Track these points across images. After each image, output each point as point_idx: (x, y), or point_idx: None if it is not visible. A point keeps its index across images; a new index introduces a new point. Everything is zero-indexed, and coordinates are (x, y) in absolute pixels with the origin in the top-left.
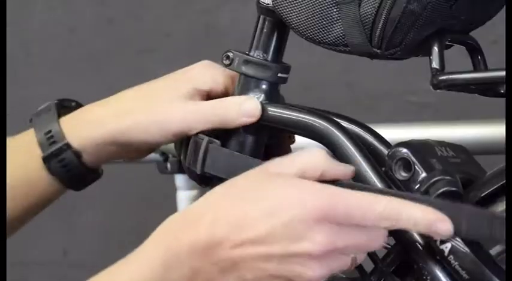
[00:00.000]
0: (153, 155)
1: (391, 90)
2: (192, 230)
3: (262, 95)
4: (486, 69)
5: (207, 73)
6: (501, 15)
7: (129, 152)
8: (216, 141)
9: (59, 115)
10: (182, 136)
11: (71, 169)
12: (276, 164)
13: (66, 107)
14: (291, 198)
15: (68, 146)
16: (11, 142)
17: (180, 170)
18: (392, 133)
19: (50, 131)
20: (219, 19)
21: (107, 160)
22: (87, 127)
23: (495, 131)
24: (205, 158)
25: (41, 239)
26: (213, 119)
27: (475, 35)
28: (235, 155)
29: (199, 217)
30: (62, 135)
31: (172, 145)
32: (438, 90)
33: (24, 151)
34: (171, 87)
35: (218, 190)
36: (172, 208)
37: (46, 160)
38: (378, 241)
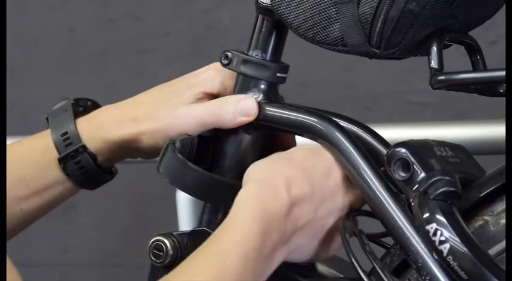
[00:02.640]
0: None
1: (391, 90)
2: (276, 197)
3: (261, 95)
4: (485, 69)
5: (217, 77)
6: (501, 15)
7: (141, 154)
8: (176, 145)
9: (75, 115)
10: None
11: (86, 171)
12: None
13: (82, 106)
14: (327, 165)
15: (84, 148)
16: (28, 141)
17: None
18: (393, 133)
19: (66, 133)
20: (219, 19)
21: (120, 160)
22: (102, 130)
23: (495, 131)
24: (162, 159)
25: (41, 239)
26: (211, 120)
27: (475, 35)
28: (180, 162)
29: (275, 184)
30: (78, 137)
31: None
32: (438, 90)
33: (41, 151)
34: (179, 92)
35: (271, 160)
36: (172, 208)
37: (62, 161)
38: None
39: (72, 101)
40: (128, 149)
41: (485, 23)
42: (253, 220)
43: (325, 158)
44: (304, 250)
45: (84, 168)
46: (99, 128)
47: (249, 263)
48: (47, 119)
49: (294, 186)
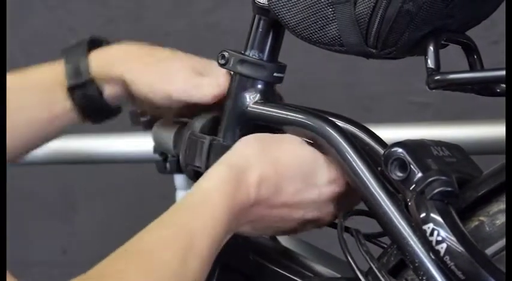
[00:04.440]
0: (153, 155)
1: (391, 90)
2: (246, 192)
3: (258, 95)
4: (482, 69)
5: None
6: (502, 15)
7: (140, 102)
8: (219, 139)
9: (89, 50)
10: (180, 104)
11: (93, 102)
12: None
13: (97, 45)
14: (320, 174)
15: (92, 80)
16: (41, 70)
17: (179, 170)
18: (393, 133)
19: (78, 65)
20: (219, 19)
21: (124, 100)
22: (110, 66)
23: (495, 131)
24: (209, 155)
25: (41, 239)
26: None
27: (475, 35)
28: None
29: (250, 180)
30: (88, 69)
31: (171, 145)
32: (438, 90)
33: (51, 80)
34: (188, 61)
35: (259, 148)
36: None
37: (70, 90)
38: None
39: (88, 40)
40: (127, 91)
41: (485, 23)
42: (223, 208)
43: (317, 170)
44: (248, 234)
45: (91, 99)
46: (108, 64)
47: (213, 246)
48: (63, 52)
49: (264, 187)
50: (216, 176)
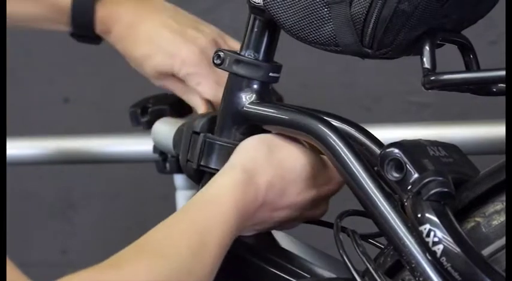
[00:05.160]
0: (153, 155)
1: (391, 90)
2: (255, 196)
3: (254, 95)
4: (478, 69)
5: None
6: (501, 15)
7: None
8: (212, 136)
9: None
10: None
11: (85, 20)
12: None
13: None
14: (321, 176)
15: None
16: None
17: (179, 170)
18: (392, 133)
19: (84, 20)
20: (219, 19)
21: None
22: (107, 33)
23: (495, 131)
24: (203, 151)
25: (40, 239)
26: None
27: (474, 35)
28: (230, 146)
29: (259, 183)
30: (93, 27)
31: (171, 145)
32: (437, 90)
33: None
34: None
35: (266, 152)
36: (171, 208)
37: (72, 33)
38: None
39: None
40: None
41: (484, 22)
42: (233, 209)
43: (316, 172)
44: (245, 234)
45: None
46: (107, 29)
47: (222, 244)
48: None
49: (271, 190)
50: (228, 178)
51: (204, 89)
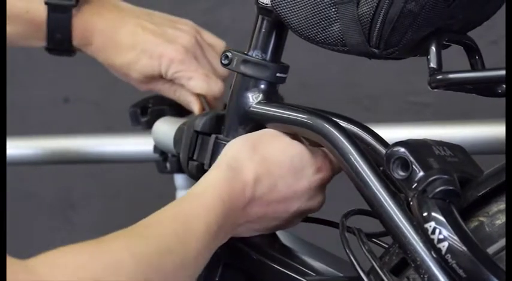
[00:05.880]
0: (153, 155)
1: (391, 90)
2: (242, 190)
3: (261, 95)
4: (483, 69)
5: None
6: (501, 15)
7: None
8: (222, 136)
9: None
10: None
11: (62, 35)
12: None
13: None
14: (310, 165)
15: (70, 12)
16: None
17: (180, 169)
18: (393, 133)
19: (60, 34)
20: (219, 19)
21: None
22: (86, 45)
23: (495, 131)
24: (214, 153)
25: (40, 239)
26: None
27: (475, 35)
28: None
29: (245, 178)
30: (70, 40)
31: (172, 145)
32: (438, 90)
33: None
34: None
35: (249, 150)
36: None
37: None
38: None
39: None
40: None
41: (485, 23)
42: (218, 203)
43: (305, 162)
44: (245, 235)
45: (61, 46)
46: (87, 42)
47: (210, 232)
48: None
49: (259, 185)
50: (213, 175)
51: (196, 83)
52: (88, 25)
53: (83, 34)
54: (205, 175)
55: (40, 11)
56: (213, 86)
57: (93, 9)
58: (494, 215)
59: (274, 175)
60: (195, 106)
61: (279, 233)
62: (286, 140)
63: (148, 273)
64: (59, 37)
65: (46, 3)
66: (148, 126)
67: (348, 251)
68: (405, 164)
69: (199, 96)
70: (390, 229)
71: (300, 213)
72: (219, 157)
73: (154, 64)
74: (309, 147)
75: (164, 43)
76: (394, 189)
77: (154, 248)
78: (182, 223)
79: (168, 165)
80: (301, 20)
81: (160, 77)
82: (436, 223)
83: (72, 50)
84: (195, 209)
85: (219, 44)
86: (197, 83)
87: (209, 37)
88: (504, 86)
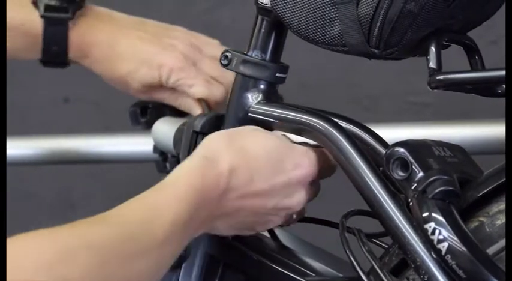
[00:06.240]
0: (153, 155)
1: (391, 90)
2: (216, 180)
3: (260, 95)
4: (483, 69)
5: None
6: (501, 15)
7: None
8: None
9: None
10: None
11: (59, 48)
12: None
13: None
14: (290, 159)
15: (66, 25)
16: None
17: None
18: (393, 133)
19: (57, 47)
20: (219, 19)
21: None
22: (82, 58)
23: (495, 131)
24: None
25: None
26: None
27: (474, 35)
28: None
29: (220, 169)
30: (66, 53)
31: (172, 145)
32: (437, 90)
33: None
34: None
35: (226, 142)
36: None
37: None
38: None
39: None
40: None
41: (485, 23)
42: (190, 192)
43: (281, 154)
44: (224, 232)
45: (57, 59)
46: (83, 55)
47: (178, 223)
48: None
49: (235, 176)
50: (186, 164)
51: (198, 89)
52: (85, 38)
53: (80, 47)
54: (180, 164)
55: (36, 23)
56: (214, 91)
57: (89, 21)
58: (494, 216)
59: (250, 167)
60: (197, 111)
61: (279, 233)
62: (265, 134)
63: (106, 259)
64: (55, 50)
65: (42, 16)
66: (148, 127)
67: (347, 251)
68: (405, 165)
69: (200, 101)
70: (390, 229)
71: (278, 210)
72: (195, 149)
73: (155, 74)
74: (289, 143)
75: (162, 52)
76: (394, 189)
77: (116, 235)
78: (150, 210)
79: (168, 165)
80: (300, 20)
81: (160, 86)
82: (436, 224)
83: (67, 62)
84: (165, 198)
85: (214, 42)
86: (199, 89)
87: (203, 39)
88: (504, 86)
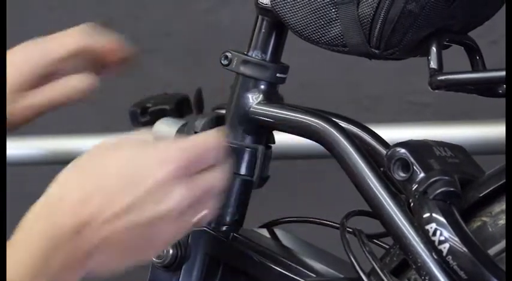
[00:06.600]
0: None
1: (391, 90)
2: (57, 216)
3: (261, 95)
4: (484, 70)
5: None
6: (501, 15)
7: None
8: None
9: None
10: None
11: None
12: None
13: None
14: (147, 164)
15: None
16: None
17: None
18: (393, 133)
19: None
20: (219, 19)
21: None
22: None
23: (495, 131)
24: None
25: None
26: None
27: (475, 35)
28: (237, 147)
29: (69, 200)
30: None
31: None
32: (438, 90)
33: None
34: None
35: (71, 170)
36: None
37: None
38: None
39: None
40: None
41: (485, 23)
42: (38, 239)
43: (130, 162)
44: (114, 266)
45: None
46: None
47: (30, 268)
48: None
49: (89, 204)
50: (35, 209)
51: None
52: None
53: None
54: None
55: None
56: None
57: None
58: (497, 215)
59: (104, 189)
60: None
61: (279, 233)
62: (115, 149)
63: None
64: None
65: None
66: (148, 127)
67: (348, 252)
68: (406, 165)
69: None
70: (391, 230)
71: (161, 219)
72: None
73: None
74: (148, 145)
75: None
76: (395, 190)
77: None
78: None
79: None
80: (300, 20)
81: None
82: (437, 225)
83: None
84: (12, 258)
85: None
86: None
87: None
88: (504, 86)
